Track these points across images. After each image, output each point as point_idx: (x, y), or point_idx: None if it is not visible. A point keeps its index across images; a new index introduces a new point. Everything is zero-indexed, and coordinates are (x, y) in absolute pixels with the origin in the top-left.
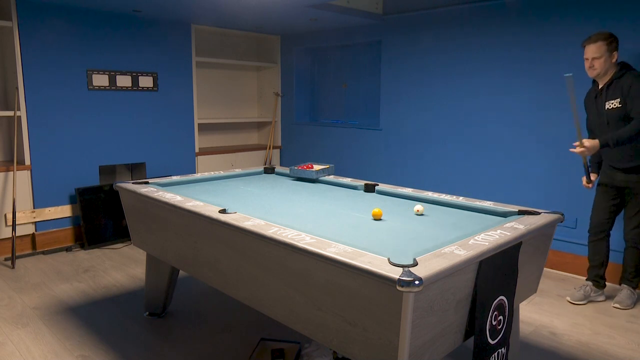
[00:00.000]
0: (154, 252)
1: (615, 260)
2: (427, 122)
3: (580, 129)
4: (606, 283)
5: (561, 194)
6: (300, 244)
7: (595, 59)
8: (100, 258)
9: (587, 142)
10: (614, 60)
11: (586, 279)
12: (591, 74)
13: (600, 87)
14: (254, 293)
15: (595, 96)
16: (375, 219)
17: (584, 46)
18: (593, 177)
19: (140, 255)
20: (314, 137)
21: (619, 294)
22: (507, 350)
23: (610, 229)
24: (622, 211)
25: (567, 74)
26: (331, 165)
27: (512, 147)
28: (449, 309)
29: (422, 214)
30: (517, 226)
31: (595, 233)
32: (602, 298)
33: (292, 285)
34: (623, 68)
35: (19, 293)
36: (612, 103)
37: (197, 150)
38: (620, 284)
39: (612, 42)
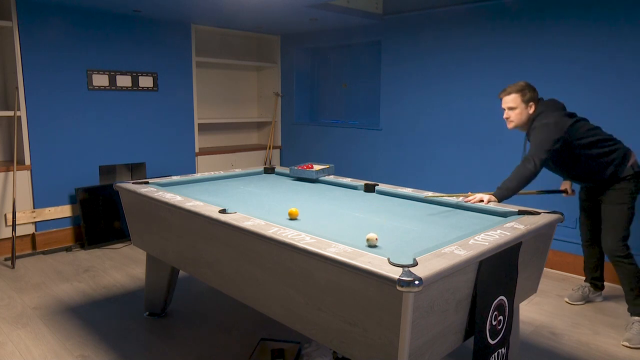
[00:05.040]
0: (154, 252)
1: None
2: (427, 122)
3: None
4: (604, 284)
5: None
6: (301, 244)
7: (510, 110)
8: (100, 258)
9: (485, 197)
10: (531, 111)
11: (584, 280)
12: (509, 125)
13: (526, 136)
14: (254, 293)
15: (524, 144)
16: (291, 219)
17: (500, 98)
18: (567, 185)
19: (140, 255)
20: (314, 137)
21: (629, 328)
22: (507, 350)
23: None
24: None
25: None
26: (331, 165)
27: (512, 147)
28: (449, 309)
29: (375, 245)
30: (517, 226)
31: (584, 239)
32: (600, 299)
33: (292, 285)
34: (538, 115)
35: (19, 293)
36: None
37: (197, 150)
38: (630, 314)
39: (526, 93)
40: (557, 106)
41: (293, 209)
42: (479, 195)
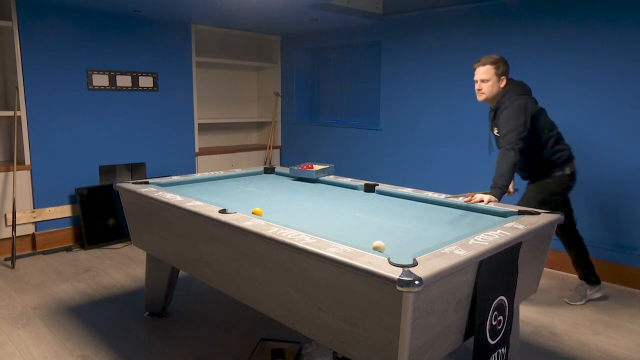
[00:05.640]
0: (154, 252)
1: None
2: (427, 122)
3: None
4: (599, 279)
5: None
6: (301, 244)
7: (483, 82)
8: (100, 258)
9: (485, 197)
10: (502, 85)
11: (579, 278)
12: (479, 97)
13: (492, 111)
14: (254, 293)
15: (489, 118)
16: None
17: (474, 68)
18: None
19: (140, 255)
20: (314, 137)
21: None
22: (507, 350)
23: (567, 228)
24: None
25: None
26: (331, 165)
27: None
28: (449, 309)
29: (382, 251)
30: (517, 226)
31: (560, 238)
32: (599, 294)
33: (292, 285)
34: (507, 92)
35: (19, 293)
36: (496, 130)
37: (197, 150)
38: None
39: (500, 66)
40: (526, 89)
41: (257, 209)
42: (479, 196)
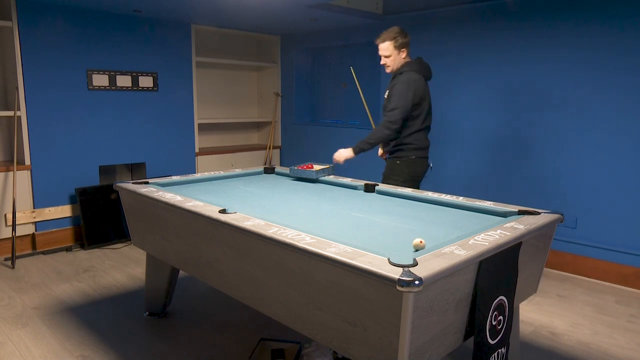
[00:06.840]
0: (154, 252)
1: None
2: None
3: (370, 113)
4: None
5: (561, 193)
6: (300, 244)
7: (386, 58)
8: (100, 258)
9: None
10: (403, 56)
11: None
12: (387, 70)
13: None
14: (253, 293)
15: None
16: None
17: (377, 44)
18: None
19: (140, 255)
20: (314, 137)
21: None
22: (507, 350)
23: None
24: None
25: (351, 67)
26: (331, 165)
27: (511, 147)
28: (449, 309)
29: (422, 248)
30: (517, 226)
31: None
32: None
33: (292, 285)
34: (409, 66)
35: (19, 293)
36: (386, 93)
37: (197, 150)
38: None
39: (398, 39)
40: (424, 70)
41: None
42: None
